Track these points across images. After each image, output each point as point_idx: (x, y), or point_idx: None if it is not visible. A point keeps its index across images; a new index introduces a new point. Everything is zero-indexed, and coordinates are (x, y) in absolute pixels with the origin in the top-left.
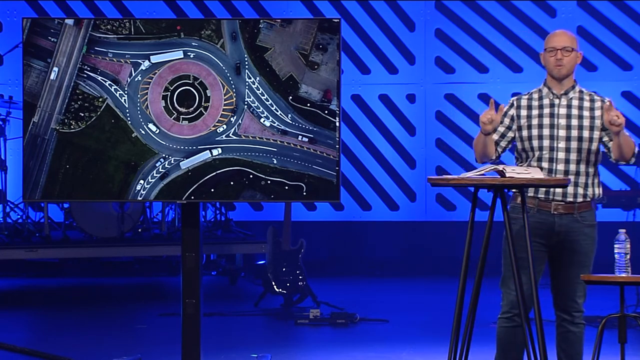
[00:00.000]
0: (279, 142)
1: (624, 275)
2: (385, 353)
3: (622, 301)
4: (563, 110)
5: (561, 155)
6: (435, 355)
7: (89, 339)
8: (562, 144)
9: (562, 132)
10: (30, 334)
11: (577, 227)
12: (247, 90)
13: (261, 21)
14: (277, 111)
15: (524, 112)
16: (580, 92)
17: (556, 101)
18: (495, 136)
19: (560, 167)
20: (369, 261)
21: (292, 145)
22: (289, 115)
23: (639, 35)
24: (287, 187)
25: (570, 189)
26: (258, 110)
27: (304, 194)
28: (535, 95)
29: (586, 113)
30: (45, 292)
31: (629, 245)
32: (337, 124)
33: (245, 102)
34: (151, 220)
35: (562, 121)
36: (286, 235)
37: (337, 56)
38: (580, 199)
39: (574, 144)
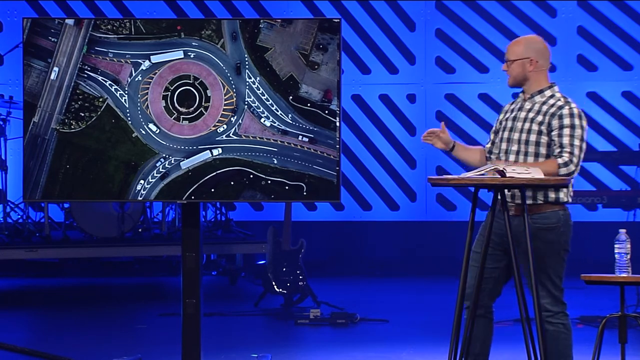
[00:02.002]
0: (279, 142)
1: (624, 275)
2: (385, 353)
3: (622, 301)
4: (523, 115)
5: (512, 157)
6: (435, 355)
7: (89, 339)
8: (514, 147)
9: (516, 136)
10: (30, 334)
11: (529, 229)
12: (247, 90)
13: (261, 21)
14: (278, 111)
15: (501, 117)
16: (551, 96)
17: (521, 105)
18: (488, 145)
19: (502, 165)
20: (369, 261)
21: (293, 145)
22: (290, 115)
23: (639, 35)
24: (287, 187)
25: (517, 191)
26: (258, 110)
27: (304, 194)
28: (517, 100)
29: (540, 118)
30: (45, 292)
31: (629, 245)
32: (338, 124)
33: (246, 102)
34: (151, 220)
35: (519, 125)
36: (286, 235)
37: (337, 56)
38: (530, 201)
39: (524, 148)
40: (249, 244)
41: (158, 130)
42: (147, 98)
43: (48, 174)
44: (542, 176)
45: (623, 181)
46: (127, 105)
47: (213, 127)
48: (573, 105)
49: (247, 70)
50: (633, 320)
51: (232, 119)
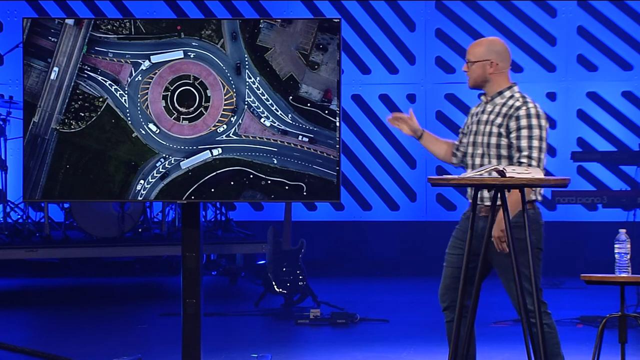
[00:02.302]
0: (279, 142)
1: (624, 275)
2: (385, 353)
3: (622, 301)
4: (484, 117)
5: (477, 160)
6: (435, 355)
7: (89, 339)
8: (479, 151)
9: (479, 139)
10: (30, 334)
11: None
12: (247, 90)
13: (261, 21)
14: (278, 111)
15: (468, 120)
16: (511, 97)
17: (484, 108)
18: (457, 142)
19: (468, 170)
20: (369, 261)
21: (293, 145)
22: (289, 115)
23: (639, 35)
24: (287, 187)
25: (485, 192)
26: (258, 110)
27: (304, 194)
28: (481, 103)
29: (499, 120)
30: (45, 292)
31: (629, 245)
32: (338, 124)
33: (246, 102)
34: (151, 220)
35: (481, 128)
36: (286, 235)
37: (337, 56)
38: (498, 202)
39: (487, 150)
40: (249, 244)
41: (158, 130)
42: (147, 98)
43: (48, 174)
44: (541, 176)
45: (623, 181)
46: (127, 105)
47: (213, 127)
48: (531, 104)
49: (247, 70)
50: (633, 320)
51: (232, 119)
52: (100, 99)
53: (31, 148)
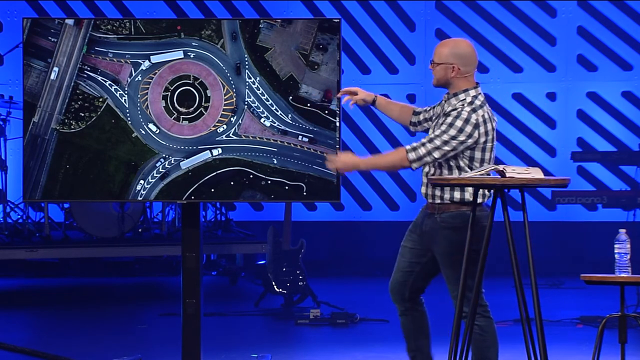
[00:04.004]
0: (279, 142)
1: (624, 275)
2: (385, 353)
3: (622, 301)
4: (439, 119)
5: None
6: (435, 355)
7: (89, 339)
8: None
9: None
10: (30, 334)
11: (437, 228)
12: (247, 90)
13: (261, 21)
14: (277, 111)
15: (436, 107)
16: (463, 100)
17: (443, 106)
18: (419, 109)
19: (424, 169)
20: (369, 261)
21: (292, 145)
22: (289, 115)
23: (639, 35)
24: (287, 187)
25: (429, 191)
26: (258, 110)
27: (304, 194)
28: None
29: (440, 120)
30: (45, 292)
31: (629, 245)
32: (338, 124)
33: (246, 102)
34: (151, 220)
35: (433, 125)
36: (286, 235)
37: (337, 56)
38: (438, 201)
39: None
40: (249, 244)
41: (158, 131)
42: (147, 98)
43: (48, 174)
44: (541, 176)
45: (623, 181)
46: (127, 105)
47: (213, 127)
48: (468, 109)
49: (247, 71)
50: (633, 320)
51: (232, 119)
52: (100, 99)
53: (31, 148)
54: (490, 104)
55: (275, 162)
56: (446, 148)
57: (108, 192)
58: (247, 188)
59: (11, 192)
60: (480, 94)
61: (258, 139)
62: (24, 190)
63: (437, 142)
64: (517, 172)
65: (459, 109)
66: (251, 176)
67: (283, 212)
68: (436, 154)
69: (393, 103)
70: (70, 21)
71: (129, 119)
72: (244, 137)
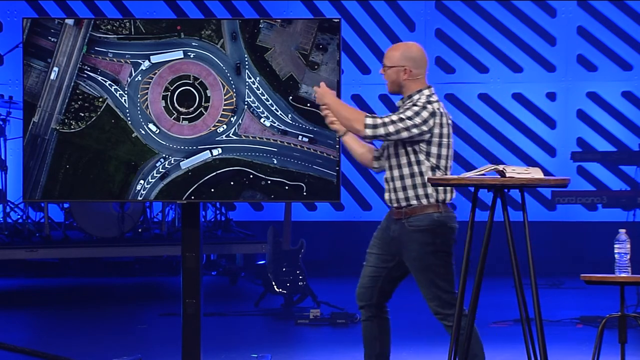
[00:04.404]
0: (279, 142)
1: (624, 275)
2: None
3: (622, 301)
4: None
5: (384, 162)
6: (435, 355)
7: (89, 339)
8: (385, 152)
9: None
10: (30, 334)
11: (405, 232)
12: (247, 90)
13: (261, 21)
14: (277, 111)
15: None
16: (418, 99)
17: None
18: (379, 149)
19: (384, 174)
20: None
21: (292, 145)
22: (289, 115)
23: (639, 35)
24: (287, 187)
25: (392, 195)
26: (258, 110)
27: (304, 194)
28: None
29: None
30: (45, 292)
31: (629, 245)
32: None
33: (246, 102)
34: (151, 220)
35: None
36: (286, 235)
37: (337, 56)
38: (403, 204)
39: (394, 150)
40: (249, 244)
41: (158, 130)
42: (146, 98)
43: (48, 174)
44: (541, 176)
45: (623, 181)
46: (126, 105)
47: (213, 127)
48: (424, 99)
49: (247, 70)
50: (633, 320)
51: (232, 119)
52: (100, 99)
53: (31, 148)
54: (490, 104)
55: (275, 162)
56: (401, 125)
57: (108, 192)
58: (247, 188)
59: (11, 192)
60: (434, 94)
61: (258, 139)
62: (24, 190)
63: (394, 117)
64: (517, 172)
65: (415, 101)
66: (251, 176)
67: (283, 212)
68: (391, 128)
69: (360, 141)
70: (70, 21)
71: (128, 119)
72: (244, 137)
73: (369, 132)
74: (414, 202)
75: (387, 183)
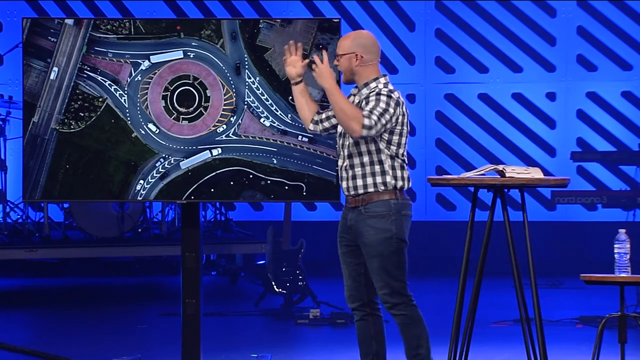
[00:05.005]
0: (279, 142)
1: (624, 275)
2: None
3: (622, 301)
4: None
5: (346, 151)
6: (436, 355)
7: (89, 339)
8: (341, 140)
9: (340, 129)
10: (30, 334)
11: (361, 219)
12: (247, 90)
13: (261, 21)
14: (277, 111)
15: None
16: (375, 87)
17: (353, 100)
18: (323, 112)
19: (340, 162)
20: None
21: (292, 145)
22: (289, 115)
23: (639, 35)
24: (287, 187)
25: (351, 183)
26: (258, 110)
27: (304, 194)
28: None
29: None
30: (45, 292)
31: (628, 245)
32: None
33: (245, 102)
34: (151, 220)
35: None
36: (286, 235)
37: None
38: (361, 191)
39: (344, 140)
40: (249, 244)
41: (158, 130)
42: (146, 98)
43: (48, 174)
44: (541, 176)
45: (623, 181)
46: (126, 105)
47: (213, 127)
48: (385, 89)
49: (246, 70)
50: (633, 320)
51: (231, 119)
52: (100, 99)
53: (31, 148)
54: (490, 104)
55: (275, 162)
56: (383, 121)
57: (108, 192)
58: (247, 188)
59: (11, 192)
60: (389, 82)
61: (258, 138)
62: (23, 190)
63: (375, 114)
64: (516, 172)
65: (377, 90)
66: (251, 176)
67: (283, 212)
68: (379, 127)
69: (309, 97)
70: (70, 21)
71: (128, 119)
72: (243, 137)
73: (364, 132)
74: (371, 189)
75: (345, 171)
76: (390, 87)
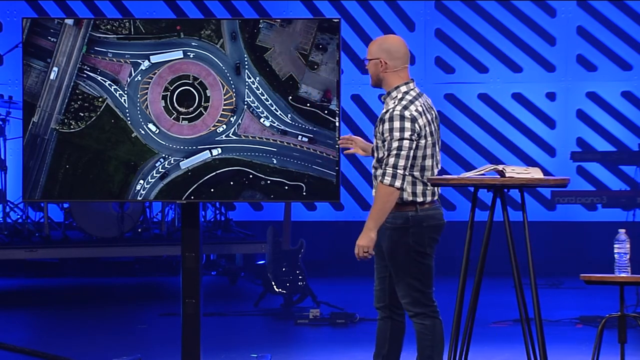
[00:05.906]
0: (278, 142)
1: (623, 275)
2: None
3: (622, 301)
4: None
5: (373, 160)
6: None
7: (89, 339)
8: (377, 154)
9: (374, 140)
10: (30, 334)
11: (382, 229)
12: (247, 90)
13: (261, 21)
14: (277, 111)
15: None
16: (394, 98)
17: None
18: None
19: (373, 171)
20: (368, 261)
21: (292, 145)
22: (289, 115)
23: (639, 35)
24: (287, 187)
25: (374, 192)
26: (258, 110)
27: (304, 194)
28: None
29: (380, 128)
30: (45, 292)
31: (628, 245)
32: (337, 124)
33: (245, 102)
34: (151, 220)
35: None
36: (286, 235)
37: (337, 56)
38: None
39: (376, 153)
40: (249, 244)
41: (157, 130)
42: (146, 98)
43: (48, 174)
44: (541, 176)
45: (623, 181)
46: (126, 105)
47: (212, 127)
48: (399, 108)
49: (246, 70)
50: (633, 320)
51: (231, 119)
52: (100, 99)
53: (31, 148)
54: (490, 104)
55: (274, 162)
56: (404, 152)
57: (108, 192)
58: (247, 188)
59: (11, 192)
60: (412, 89)
61: (258, 138)
62: (23, 190)
63: (393, 154)
64: (516, 172)
65: (390, 110)
66: (251, 176)
67: (283, 212)
68: (402, 163)
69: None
70: (69, 21)
71: (128, 119)
72: (243, 137)
73: (398, 183)
74: None
75: (374, 179)
76: (408, 97)
